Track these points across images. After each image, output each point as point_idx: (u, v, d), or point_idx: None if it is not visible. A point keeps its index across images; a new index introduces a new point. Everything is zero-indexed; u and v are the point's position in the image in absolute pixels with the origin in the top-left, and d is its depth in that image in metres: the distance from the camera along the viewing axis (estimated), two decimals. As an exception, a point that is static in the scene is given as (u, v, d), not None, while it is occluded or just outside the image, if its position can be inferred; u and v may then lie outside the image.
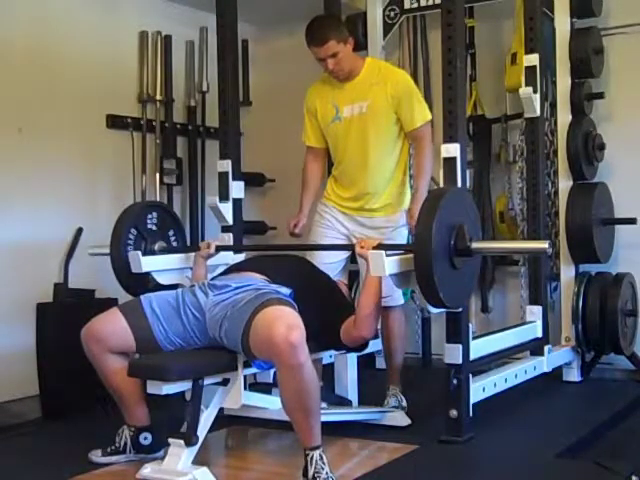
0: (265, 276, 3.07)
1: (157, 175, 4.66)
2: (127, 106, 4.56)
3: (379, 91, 3.51)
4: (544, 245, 3.08)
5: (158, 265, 3.50)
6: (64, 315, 3.83)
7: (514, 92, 4.33)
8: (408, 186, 3.74)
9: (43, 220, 4.03)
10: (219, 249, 3.51)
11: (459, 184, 3.16)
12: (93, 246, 3.74)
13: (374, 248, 3.00)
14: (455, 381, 3.18)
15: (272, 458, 3.22)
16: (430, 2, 4.61)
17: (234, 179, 3.81)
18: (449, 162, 3.17)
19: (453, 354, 3.19)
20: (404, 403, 3.62)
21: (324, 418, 2.83)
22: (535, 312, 4.08)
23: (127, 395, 2.95)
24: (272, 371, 3.10)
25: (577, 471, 2.88)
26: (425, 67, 4.88)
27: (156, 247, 3.60)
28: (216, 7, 3.84)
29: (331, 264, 3.54)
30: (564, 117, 4.30)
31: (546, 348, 4.03)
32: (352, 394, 3.56)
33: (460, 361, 3.18)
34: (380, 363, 4.50)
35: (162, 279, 3.49)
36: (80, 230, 4.18)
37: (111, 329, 2.92)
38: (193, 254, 3.51)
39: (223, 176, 3.81)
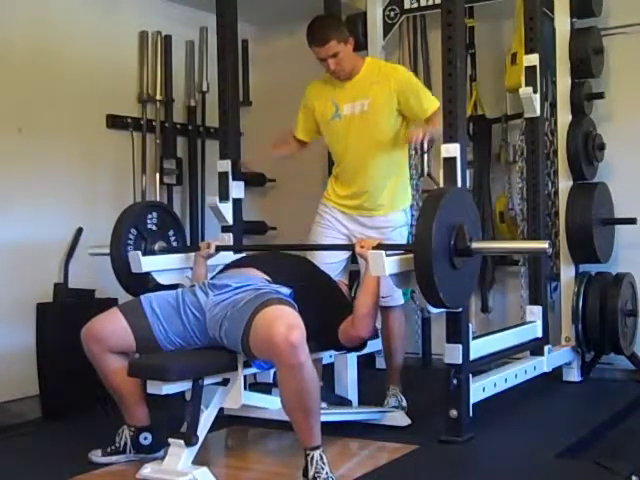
0: (266, 275, 3.07)
1: (157, 175, 4.66)
2: (127, 106, 4.56)
3: (380, 89, 3.51)
4: (544, 245, 3.08)
5: (158, 265, 3.50)
6: (64, 315, 3.83)
7: (514, 92, 4.33)
8: (408, 185, 3.74)
9: (43, 220, 4.04)
10: (219, 249, 3.51)
11: (459, 184, 3.16)
12: (93, 246, 3.74)
13: (374, 248, 3.01)
14: (455, 381, 3.18)
15: (272, 458, 3.22)
16: (430, 2, 4.61)
17: (234, 179, 3.81)
18: (449, 162, 3.17)
19: (453, 354, 3.19)
20: (404, 403, 3.62)
21: (324, 418, 2.83)
22: (535, 312, 4.08)
23: (127, 395, 2.95)
24: (272, 371, 3.10)
25: (577, 471, 2.88)
26: (425, 67, 4.87)
27: (156, 247, 3.60)
28: (216, 7, 3.85)
29: (332, 264, 3.54)
30: (564, 117, 4.30)
31: (546, 348, 4.03)
32: (352, 394, 3.56)
33: (460, 361, 3.18)
34: (380, 363, 4.50)
35: (162, 279, 3.49)
36: (80, 230, 4.18)
37: (111, 329, 2.92)
38: (193, 254, 3.51)
39: (223, 176, 3.81)
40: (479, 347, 3.39)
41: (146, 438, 2.99)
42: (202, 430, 2.75)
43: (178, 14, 4.84)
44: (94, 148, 4.35)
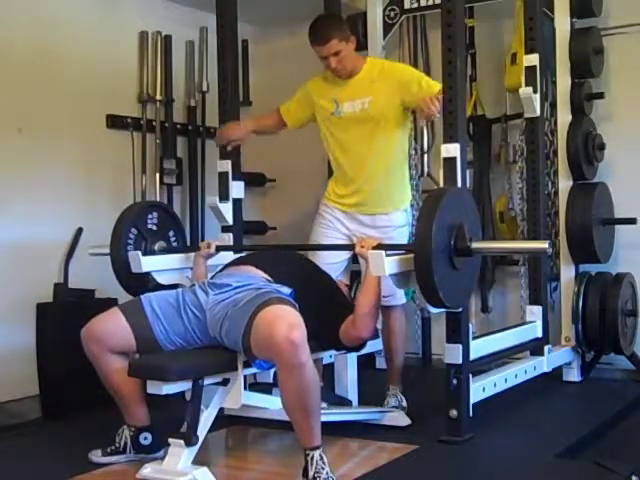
0: (266, 274, 3.07)
1: (157, 175, 4.66)
2: (127, 106, 4.56)
3: (381, 87, 3.51)
4: (544, 245, 3.08)
5: (158, 265, 3.50)
6: (64, 315, 3.83)
7: (514, 92, 4.33)
8: (409, 185, 3.74)
9: (43, 220, 4.03)
10: (219, 249, 3.51)
11: (459, 184, 3.16)
12: (93, 246, 3.74)
13: (374, 248, 3.01)
14: (455, 381, 3.18)
15: (272, 458, 3.22)
16: (430, 2, 4.61)
17: (234, 179, 3.81)
18: (449, 162, 3.17)
19: (453, 354, 3.19)
20: (404, 403, 3.62)
21: (324, 418, 2.83)
22: (535, 312, 4.08)
23: (127, 395, 2.95)
24: (272, 371, 3.10)
25: (577, 471, 2.88)
26: (425, 67, 4.87)
27: (156, 247, 3.60)
28: (216, 7, 3.85)
29: (333, 264, 3.54)
30: (564, 117, 4.30)
31: (546, 348, 4.03)
32: (352, 394, 3.57)
33: (460, 361, 3.18)
34: (380, 363, 4.50)
35: (162, 279, 3.49)
36: (80, 230, 4.18)
37: (111, 329, 2.92)
38: (193, 254, 3.52)
39: (223, 176, 3.81)
40: (479, 347, 3.39)
41: (146, 438, 2.99)
42: (202, 430, 2.75)
43: (178, 14, 4.83)
44: (94, 148, 4.34)
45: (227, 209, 3.80)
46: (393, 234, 3.56)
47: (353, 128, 3.57)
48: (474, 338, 3.39)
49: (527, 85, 4.06)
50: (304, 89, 3.73)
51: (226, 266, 3.26)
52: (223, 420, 3.19)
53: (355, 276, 3.97)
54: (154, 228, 3.62)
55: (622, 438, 3.39)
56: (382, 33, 4.76)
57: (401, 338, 3.72)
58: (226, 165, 3.80)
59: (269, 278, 3.06)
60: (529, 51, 4.10)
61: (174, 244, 3.71)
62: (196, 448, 2.72)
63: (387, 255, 2.94)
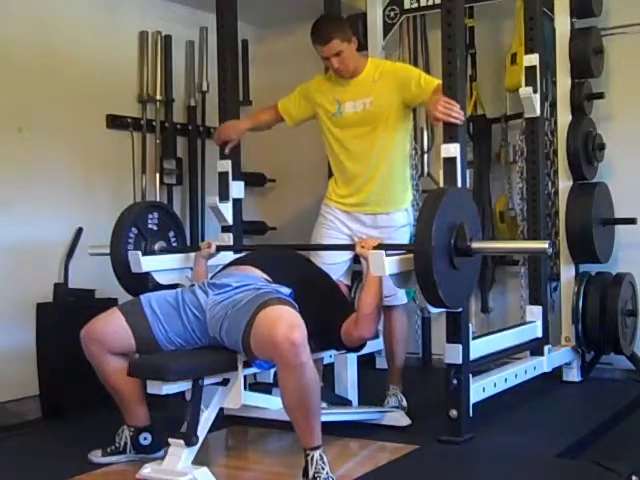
0: (266, 274, 3.07)
1: (157, 175, 4.66)
2: (127, 106, 4.56)
3: (383, 87, 3.51)
4: (544, 245, 3.08)
5: (158, 265, 3.50)
6: (64, 315, 3.83)
7: (514, 92, 4.33)
8: (410, 184, 3.74)
9: (43, 220, 4.04)
10: (220, 249, 3.51)
11: (459, 184, 3.16)
12: (93, 246, 3.75)
13: (374, 248, 3.01)
14: (455, 381, 3.18)
15: (272, 458, 3.22)
16: (430, 2, 4.61)
17: (234, 179, 3.81)
18: (449, 162, 3.17)
19: (453, 354, 3.19)
20: (404, 403, 3.62)
21: (324, 418, 2.83)
22: (535, 312, 4.08)
23: (127, 395, 2.95)
24: (272, 371, 3.11)
25: (577, 471, 2.88)
26: (425, 67, 4.87)
27: (156, 247, 3.60)
28: (216, 7, 3.85)
29: (334, 265, 3.53)
30: (564, 117, 4.30)
31: (546, 348, 4.03)
32: (352, 394, 3.56)
33: (460, 361, 3.18)
34: (380, 363, 4.50)
35: (162, 279, 3.49)
36: (80, 230, 4.18)
37: (111, 329, 2.91)
38: (193, 254, 3.52)
39: (223, 176, 3.81)
40: (479, 347, 3.39)
41: (146, 438, 2.99)
42: (202, 430, 2.75)
43: (178, 14, 4.84)
44: (94, 148, 4.34)
45: (227, 209, 3.81)
46: (394, 234, 3.56)
47: (355, 128, 3.57)
48: (474, 338, 3.39)
49: (527, 85, 4.05)
50: (305, 88, 3.73)
51: (226, 266, 3.26)
52: (223, 420, 3.19)
53: (356, 276, 3.97)
54: (155, 228, 3.62)
55: (622, 438, 3.39)
56: (382, 33, 4.76)
57: (402, 338, 3.72)
58: (226, 165, 3.80)
59: (268, 278, 3.06)
60: (529, 51, 4.09)
61: (174, 245, 3.71)
62: (196, 448, 2.72)
63: (387, 255, 2.94)
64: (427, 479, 2.91)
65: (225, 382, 2.87)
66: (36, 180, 4.02)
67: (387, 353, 3.76)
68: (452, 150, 3.17)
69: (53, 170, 4.12)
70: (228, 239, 3.80)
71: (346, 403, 3.50)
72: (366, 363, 4.34)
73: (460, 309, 3.17)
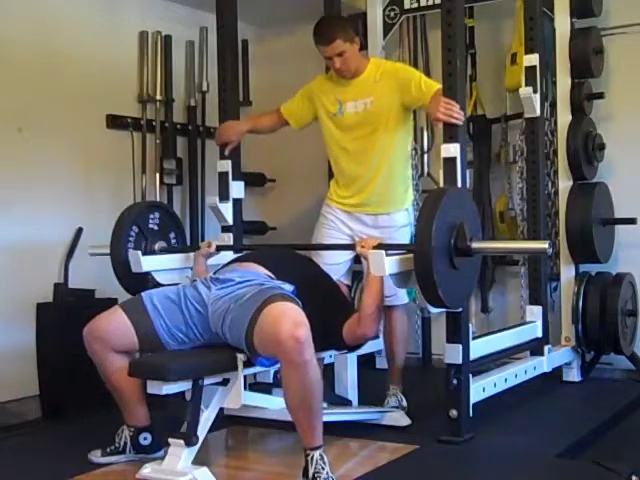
0: (269, 271, 3.07)
1: (157, 175, 4.66)
2: (127, 106, 4.56)
3: (383, 87, 3.51)
4: (544, 245, 3.08)
5: (158, 265, 3.50)
6: (64, 315, 3.83)
7: (514, 92, 4.33)
8: (411, 184, 3.74)
9: (43, 220, 4.04)
10: (220, 248, 3.51)
11: (459, 184, 3.16)
12: (93, 246, 3.74)
13: (374, 248, 3.01)
14: (455, 381, 3.18)
15: (272, 458, 3.22)
16: (430, 2, 4.61)
17: (234, 179, 3.81)
18: (449, 162, 3.17)
19: (453, 354, 3.19)
20: (404, 403, 3.62)
21: (324, 418, 2.82)
22: (535, 312, 4.08)
23: (127, 395, 2.95)
24: (272, 371, 3.10)
25: (577, 471, 2.88)
26: (425, 67, 4.87)
27: (157, 247, 3.60)
28: (216, 7, 3.85)
29: (335, 265, 3.53)
30: (564, 117, 4.30)
31: (546, 348, 4.03)
32: (352, 394, 3.57)
33: (460, 361, 3.18)
34: (380, 363, 4.50)
35: (162, 279, 3.49)
36: (80, 230, 4.18)
37: (113, 327, 2.91)
38: (193, 254, 3.51)
39: (223, 176, 3.81)
40: (479, 347, 3.39)
41: (146, 438, 2.99)
42: (202, 430, 2.75)
43: (178, 14, 4.83)
44: (94, 148, 4.34)
45: (227, 209, 3.80)
46: (395, 234, 3.56)
47: (356, 128, 3.56)
48: (474, 338, 3.39)
49: (527, 85, 4.05)
50: (307, 89, 3.73)
51: (228, 263, 3.26)
52: (223, 420, 3.19)
53: (356, 276, 3.97)
54: (155, 228, 3.63)
55: (622, 438, 3.39)
56: (382, 33, 4.76)
57: (403, 338, 3.72)
58: (226, 165, 3.80)
59: (272, 275, 3.06)
60: (529, 51, 4.09)
61: (175, 245, 3.71)
62: (196, 448, 2.71)
63: (387, 255, 2.94)
64: (427, 479, 2.91)
65: (225, 382, 2.87)
66: (36, 180, 4.02)
67: (387, 353, 3.77)
68: (452, 150, 3.17)
69: (53, 170, 4.12)
70: (228, 239, 3.80)
71: (346, 403, 3.50)
72: (366, 363, 4.34)
73: (460, 309, 3.17)
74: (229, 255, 3.55)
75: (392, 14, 4.76)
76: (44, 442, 3.41)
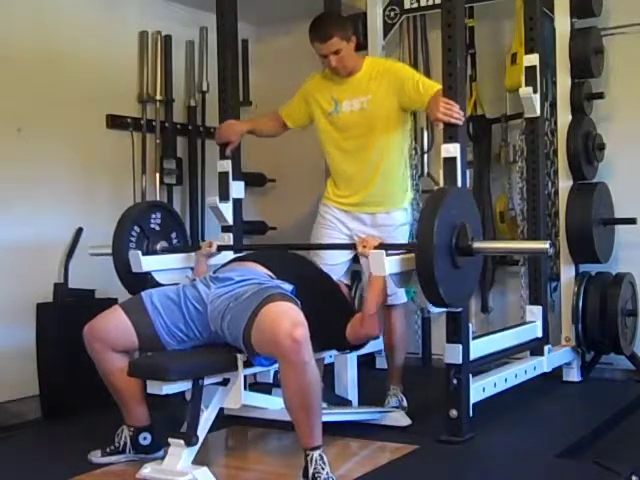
0: (268, 270, 3.07)
1: (157, 175, 4.66)
2: (127, 106, 4.56)
3: (379, 86, 3.50)
4: (544, 245, 3.08)
5: (159, 265, 3.50)
6: (64, 315, 3.83)
7: (514, 92, 4.33)
8: (409, 183, 3.74)
9: (43, 220, 4.03)
10: (220, 248, 3.51)
11: (459, 184, 3.16)
12: (93, 246, 3.74)
13: (375, 247, 3.01)
14: (455, 381, 3.19)
15: (272, 458, 3.22)
16: (430, 2, 4.61)
17: (234, 179, 3.81)
18: (449, 162, 3.17)
19: (453, 354, 3.19)
20: (404, 403, 3.62)
21: (324, 418, 2.82)
22: (535, 312, 4.08)
23: (127, 395, 2.95)
24: (272, 371, 3.10)
25: (577, 471, 2.88)
26: (425, 67, 4.87)
27: (158, 247, 3.60)
28: (216, 7, 3.84)
29: (334, 266, 3.53)
30: (564, 117, 4.30)
31: (546, 348, 4.03)
32: (352, 394, 3.56)
33: (460, 361, 3.18)
34: (380, 363, 4.50)
35: (163, 279, 3.49)
36: (80, 230, 4.18)
37: (113, 326, 2.92)
38: (194, 254, 3.52)
39: (223, 176, 3.81)
40: (479, 347, 3.40)
41: (145, 438, 2.99)
42: (202, 430, 2.75)
43: (178, 14, 4.83)
44: (94, 148, 4.34)
45: (227, 209, 3.80)
46: (394, 233, 3.56)
47: (352, 127, 3.56)
48: (474, 338, 3.39)
49: (527, 85, 4.06)
50: (304, 89, 3.73)
51: (228, 262, 3.26)
52: (223, 420, 3.19)
53: (356, 276, 3.97)
54: (157, 228, 3.63)
55: (622, 438, 3.39)
56: (382, 33, 4.76)
57: (402, 337, 3.72)
58: (226, 165, 3.80)
59: (271, 274, 3.06)
60: (529, 51, 4.10)
61: (176, 244, 3.71)
62: (196, 448, 2.72)
63: (388, 255, 2.94)
64: (427, 479, 2.91)
65: (225, 382, 2.87)
66: (36, 180, 4.02)
67: (387, 353, 3.77)
68: (452, 150, 3.17)
69: (53, 170, 4.12)
70: (228, 239, 3.80)
71: (346, 403, 3.50)
72: (366, 363, 4.34)
73: (460, 309, 3.17)
74: (229, 255, 3.55)
75: (392, 14, 4.76)
76: (44, 442, 3.41)
